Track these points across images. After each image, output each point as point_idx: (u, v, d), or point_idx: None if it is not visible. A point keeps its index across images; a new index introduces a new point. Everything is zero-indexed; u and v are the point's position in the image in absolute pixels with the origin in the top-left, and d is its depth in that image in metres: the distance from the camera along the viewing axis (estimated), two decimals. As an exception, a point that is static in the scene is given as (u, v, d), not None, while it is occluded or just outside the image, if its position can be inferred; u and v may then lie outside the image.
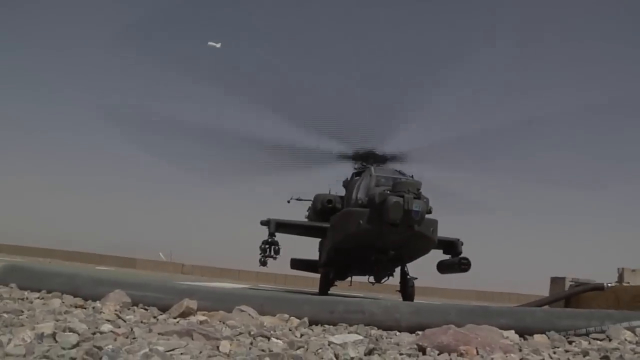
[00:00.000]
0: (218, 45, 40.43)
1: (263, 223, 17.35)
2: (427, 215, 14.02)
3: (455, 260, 17.32)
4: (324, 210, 18.01)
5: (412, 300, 15.51)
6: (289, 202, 20.04)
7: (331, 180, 19.16)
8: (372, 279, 17.30)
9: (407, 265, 16.61)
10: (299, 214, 20.43)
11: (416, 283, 17.21)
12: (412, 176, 15.19)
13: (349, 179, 18.37)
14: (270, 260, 17.08)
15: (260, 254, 17.03)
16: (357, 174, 17.59)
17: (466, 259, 17.05)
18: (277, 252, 16.93)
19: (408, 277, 16.71)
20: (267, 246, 16.86)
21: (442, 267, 18.00)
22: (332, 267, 17.30)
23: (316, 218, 18.62)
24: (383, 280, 17.38)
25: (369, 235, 14.00)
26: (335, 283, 18.69)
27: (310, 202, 19.71)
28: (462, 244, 17.53)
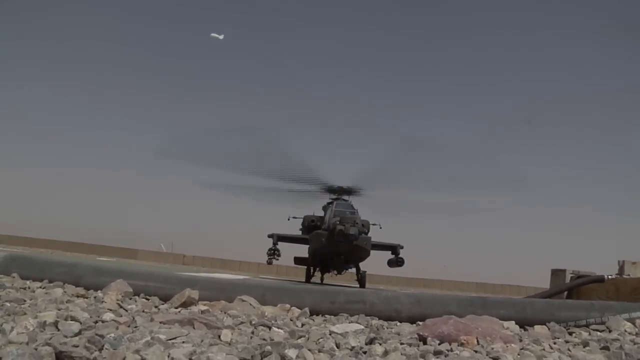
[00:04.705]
0: (221, 37, 40.31)
1: (269, 236, 27.81)
2: (367, 234, 24.47)
3: (394, 259, 28.02)
4: (310, 227, 27.28)
5: (364, 286, 24.52)
6: (289, 219, 29.60)
7: (315, 204, 29.27)
8: (335, 272, 28.11)
9: (360, 264, 26.42)
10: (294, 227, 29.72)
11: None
12: (357, 210, 25.08)
13: (326, 205, 28.20)
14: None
15: (268, 257, 27.30)
16: (330, 202, 27.40)
17: (401, 258, 27.93)
18: (279, 255, 27.57)
19: (360, 271, 26.76)
20: (272, 251, 27.34)
21: (389, 263, 28.40)
22: (312, 265, 27.92)
23: (305, 232, 28.04)
24: (343, 273, 28.24)
25: (328, 247, 23.27)
26: (322, 275, 29.64)
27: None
28: (401, 247, 28.06)
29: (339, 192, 28.29)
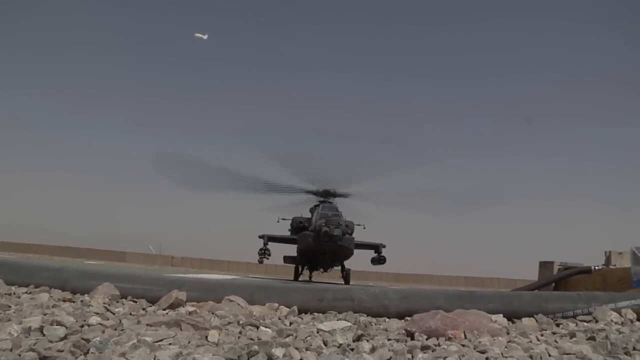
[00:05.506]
0: (205, 37, 40.16)
1: (260, 236, 29.58)
2: (351, 235, 26.38)
3: (377, 257, 29.68)
4: (298, 228, 29.28)
5: (348, 282, 27.15)
6: (278, 221, 31.17)
7: (303, 206, 31.28)
8: (322, 270, 29.57)
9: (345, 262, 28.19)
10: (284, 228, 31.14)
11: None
12: (341, 212, 27.34)
13: (312, 207, 30.14)
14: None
15: (259, 256, 29.01)
16: (317, 205, 29.50)
17: (383, 256, 29.67)
18: (269, 255, 29.27)
19: (345, 269, 28.58)
20: (262, 251, 29.06)
21: (372, 261, 30.07)
22: (300, 263, 29.76)
23: (293, 233, 29.87)
24: (328, 270, 29.37)
25: (314, 247, 25.40)
26: (310, 273, 31.23)
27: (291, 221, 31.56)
28: (383, 247, 29.81)
29: (325, 195, 30.35)
